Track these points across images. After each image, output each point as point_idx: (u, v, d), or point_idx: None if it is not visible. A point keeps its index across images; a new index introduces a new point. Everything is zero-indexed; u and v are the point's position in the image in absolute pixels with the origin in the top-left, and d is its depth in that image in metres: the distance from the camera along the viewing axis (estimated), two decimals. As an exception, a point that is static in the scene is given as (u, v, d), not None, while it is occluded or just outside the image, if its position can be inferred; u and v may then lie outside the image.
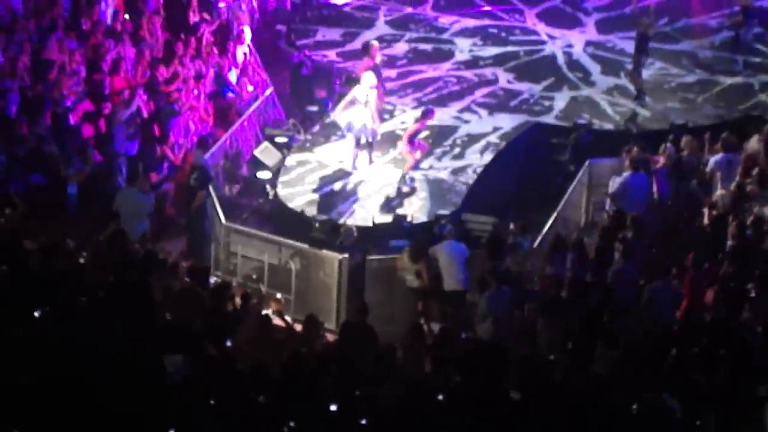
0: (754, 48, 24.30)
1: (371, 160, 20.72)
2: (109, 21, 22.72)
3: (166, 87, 21.43)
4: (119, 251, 15.04)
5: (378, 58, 21.35)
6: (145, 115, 20.60)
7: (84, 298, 12.96)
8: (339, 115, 20.54)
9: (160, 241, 18.51)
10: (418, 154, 20.03)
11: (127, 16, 23.01)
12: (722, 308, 14.13)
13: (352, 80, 21.74)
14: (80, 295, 13.00)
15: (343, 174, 20.51)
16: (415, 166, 20.15)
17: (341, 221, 18.85)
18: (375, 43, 21.90)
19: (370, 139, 20.53)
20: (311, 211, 19.32)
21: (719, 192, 17.32)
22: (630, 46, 23.17)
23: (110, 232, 16.00)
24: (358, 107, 20.04)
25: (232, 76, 23.00)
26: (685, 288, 14.80)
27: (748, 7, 24.17)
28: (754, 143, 18.34)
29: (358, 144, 20.52)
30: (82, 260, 15.04)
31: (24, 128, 18.71)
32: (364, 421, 10.71)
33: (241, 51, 23.59)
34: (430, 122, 20.48)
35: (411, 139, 19.83)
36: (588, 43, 25.19)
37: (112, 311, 12.11)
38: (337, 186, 20.20)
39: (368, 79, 20.19)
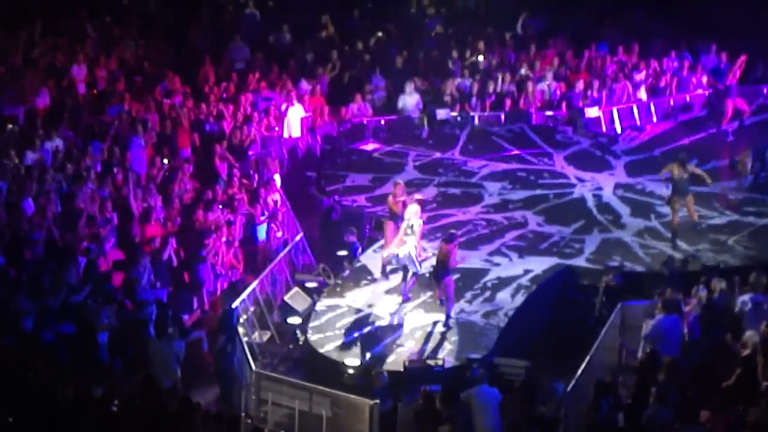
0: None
1: (407, 295, 20.68)
2: (141, 169, 23.06)
3: (197, 234, 21.56)
4: (151, 400, 14.94)
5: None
6: (175, 262, 20.70)
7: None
8: (392, 249, 20.58)
9: (191, 389, 18.40)
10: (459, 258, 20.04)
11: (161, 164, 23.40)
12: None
13: (382, 224, 21.84)
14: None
15: (373, 318, 20.42)
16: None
17: (372, 367, 18.70)
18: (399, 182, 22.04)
19: (418, 270, 20.50)
20: (342, 357, 19.20)
21: (749, 333, 17.14)
22: (658, 189, 23.22)
23: (142, 380, 15.92)
24: (408, 238, 20.17)
25: (262, 226, 23.15)
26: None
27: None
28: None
29: (405, 278, 20.58)
30: (114, 409, 14.94)
31: (52, 277, 18.78)
32: None
33: (271, 198, 23.77)
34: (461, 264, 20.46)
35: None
36: (617, 186, 25.26)
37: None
38: (367, 330, 20.10)
39: (414, 209, 20.39)
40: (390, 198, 21.48)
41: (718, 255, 21.57)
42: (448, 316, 19.89)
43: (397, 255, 20.29)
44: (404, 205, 20.90)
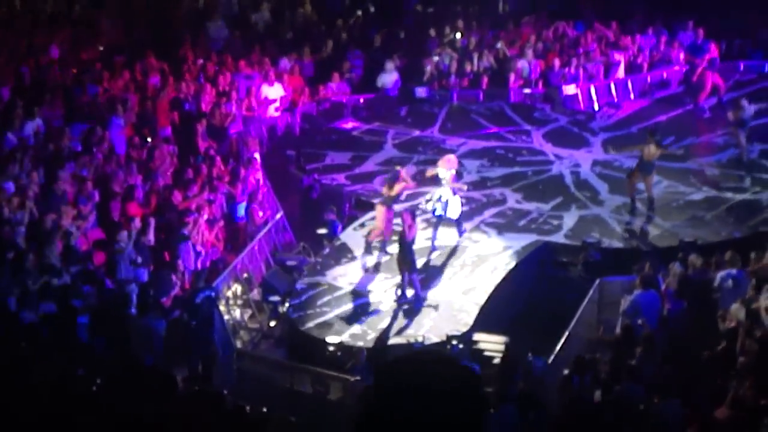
0: (761, 164, 24.47)
1: (462, 231, 21.89)
2: (120, 149, 23.08)
3: (177, 213, 21.62)
4: (133, 378, 15.00)
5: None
6: (153, 242, 20.73)
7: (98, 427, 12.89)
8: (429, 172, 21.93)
9: (174, 367, 18.48)
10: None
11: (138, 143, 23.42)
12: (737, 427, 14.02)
13: (363, 203, 21.97)
14: (93, 424, 12.94)
15: (354, 296, 20.55)
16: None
17: (352, 344, 18.84)
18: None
19: (451, 216, 21.47)
20: (323, 335, 19.32)
21: (734, 306, 17.27)
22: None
23: (123, 358, 16.00)
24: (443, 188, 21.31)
25: (242, 205, 23.22)
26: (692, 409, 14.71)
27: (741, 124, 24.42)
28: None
29: (436, 226, 21.62)
30: (94, 388, 15.00)
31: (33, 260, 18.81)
32: None
33: (252, 177, 23.83)
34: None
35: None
36: (595, 163, 25.38)
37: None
38: (347, 308, 20.22)
39: (450, 163, 21.62)
40: (397, 186, 21.45)
41: (696, 231, 21.73)
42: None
43: (432, 196, 21.44)
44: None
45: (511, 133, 27.12)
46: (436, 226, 21.62)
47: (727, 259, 18.33)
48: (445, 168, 21.49)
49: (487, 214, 23.03)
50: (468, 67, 29.97)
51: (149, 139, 24.15)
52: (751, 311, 16.66)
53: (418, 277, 20.12)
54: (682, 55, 30.35)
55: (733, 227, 22.00)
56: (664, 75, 30.43)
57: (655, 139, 22.35)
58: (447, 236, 21.62)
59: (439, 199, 21.31)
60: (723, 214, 22.65)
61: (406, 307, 20.02)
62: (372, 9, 33.27)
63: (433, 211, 21.45)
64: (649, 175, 22.24)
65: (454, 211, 21.48)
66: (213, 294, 19.31)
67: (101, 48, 28.45)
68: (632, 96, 29.85)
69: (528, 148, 26.38)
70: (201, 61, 28.45)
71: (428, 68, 29.84)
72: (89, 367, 15.84)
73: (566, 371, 16.34)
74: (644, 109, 28.71)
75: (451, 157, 22.14)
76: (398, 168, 22.00)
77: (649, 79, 30.29)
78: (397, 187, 21.31)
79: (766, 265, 18.19)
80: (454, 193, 21.41)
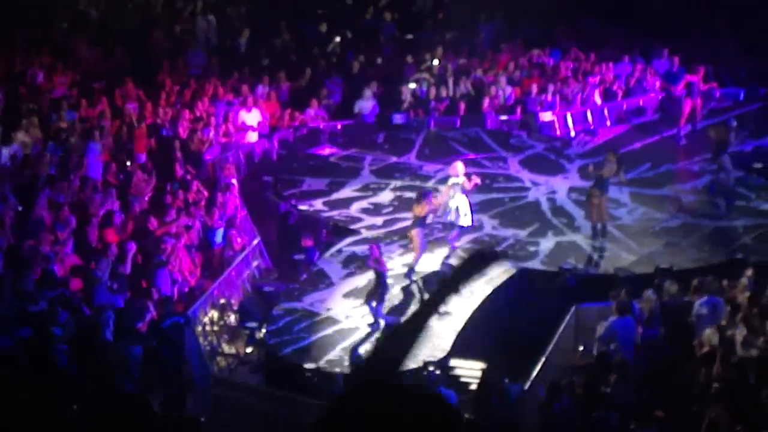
0: (736, 191, 24.60)
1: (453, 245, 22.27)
2: (97, 175, 23.06)
3: (155, 239, 21.59)
4: (110, 404, 14.96)
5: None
6: (129, 268, 20.66)
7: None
8: (442, 196, 22.13)
9: (150, 394, 18.42)
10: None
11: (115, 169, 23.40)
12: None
13: (340, 229, 22.02)
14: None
15: (331, 322, 20.55)
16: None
17: (329, 370, 18.83)
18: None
19: (462, 223, 22.03)
20: (300, 361, 19.31)
21: (708, 331, 17.35)
22: (612, 192, 23.42)
23: (100, 385, 15.96)
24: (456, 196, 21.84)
25: (219, 230, 23.21)
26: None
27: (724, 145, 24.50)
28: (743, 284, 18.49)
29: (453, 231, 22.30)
30: (69, 414, 14.95)
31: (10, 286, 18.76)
32: None
33: (229, 202, 23.83)
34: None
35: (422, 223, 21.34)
36: (571, 189, 25.47)
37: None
38: (324, 334, 20.22)
39: (458, 168, 22.07)
40: (424, 205, 21.55)
41: (672, 257, 21.81)
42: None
43: (448, 206, 21.89)
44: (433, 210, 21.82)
45: (488, 159, 27.20)
46: (450, 232, 22.36)
47: (703, 286, 18.41)
48: (456, 176, 21.99)
49: (464, 240, 23.07)
50: (445, 94, 30.08)
51: (129, 163, 24.15)
52: (725, 338, 16.74)
53: (382, 307, 20.20)
54: (657, 83, 30.55)
55: (708, 254, 22.10)
56: (640, 102, 30.62)
57: (620, 159, 22.61)
58: (425, 262, 21.63)
59: (455, 207, 21.84)
60: (698, 241, 22.76)
61: (383, 332, 20.03)
62: (349, 35, 33.37)
63: (446, 215, 22.04)
64: (603, 194, 22.41)
65: (466, 218, 21.95)
66: (182, 320, 19.27)
67: (77, 74, 28.38)
68: (608, 123, 30.01)
69: (504, 175, 26.46)
70: (178, 87, 28.47)
71: (405, 95, 29.94)
72: (66, 393, 15.80)
73: (544, 397, 16.39)
74: (620, 136, 28.86)
75: (457, 164, 22.52)
76: (428, 189, 22.38)
77: (625, 106, 30.48)
78: (425, 207, 21.44)
79: (740, 292, 18.28)
80: (466, 195, 22.05)
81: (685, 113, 28.19)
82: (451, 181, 22.06)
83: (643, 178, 25.45)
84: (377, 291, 20.01)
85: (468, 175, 22.08)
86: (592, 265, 21.92)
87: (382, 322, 20.11)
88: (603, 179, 22.33)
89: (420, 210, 21.32)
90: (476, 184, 22.18)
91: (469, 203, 22.09)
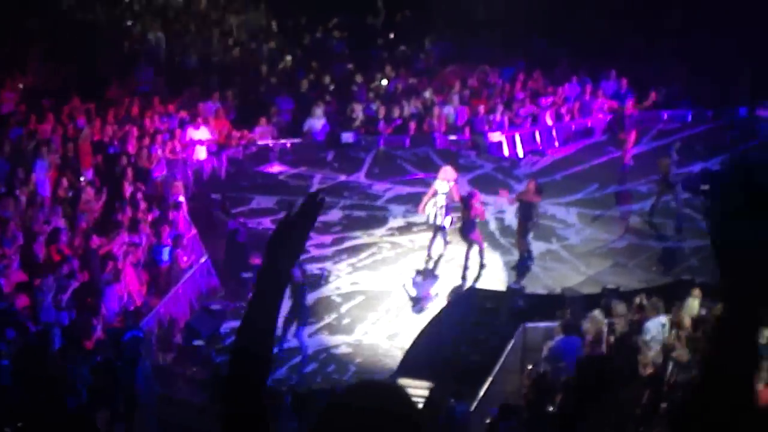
0: (684, 213, 24.76)
1: (446, 242, 22.83)
2: (45, 191, 22.90)
3: (101, 256, 21.46)
4: (55, 422, 14.87)
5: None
6: (76, 285, 20.54)
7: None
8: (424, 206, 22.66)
9: (97, 412, 18.29)
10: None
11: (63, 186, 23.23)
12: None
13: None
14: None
15: (277, 341, 20.47)
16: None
17: (276, 388, 18.76)
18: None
19: (444, 224, 22.53)
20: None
21: (652, 353, 17.45)
22: (559, 212, 23.55)
23: (45, 403, 15.83)
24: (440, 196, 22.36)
25: (166, 248, 23.10)
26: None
27: (667, 174, 24.57)
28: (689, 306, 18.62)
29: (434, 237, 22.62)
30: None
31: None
32: None
33: (177, 220, 23.72)
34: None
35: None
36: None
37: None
38: (273, 353, 20.13)
39: (446, 173, 22.67)
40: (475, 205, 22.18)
41: (619, 278, 21.94)
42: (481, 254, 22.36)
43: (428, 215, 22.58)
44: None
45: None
46: (433, 236, 22.77)
47: (649, 306, 18.51)
48: (445, 180, 22.50)
49: (413, 258, 23.11)
50: (395, 113, 30.14)
51: (82, 179, 24.00)
52: (670, 358, 16.85)
53: (307, 331, 20.17)
54: (606, 104, 30.75)
55: (655, 275, 22.25)
56: (588, 123, 30.81)
57: (537, 182, 22.86)
58: (374, 281, 21.64)
59: (440, 208, 22.36)
60: (646, 262, 22.91)
61: (330, 352, 20.00)
62: (299, 53, 33.39)
63: (428, 219, 22.65)
64: (524, 220, 22.59)
65: (447, 220, 22.51)
66: (141, 334, 19.18)
67: (21, 87, 28.20)
68: (557, 143, 30.17)
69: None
70: (126, 102, 28.34)
71: (355, 113, 29.97)
72: (9, 410, 15.67)
73: (490, 418, 16.40)
74: (568, 157, 29.02)
75: (447, 168, 23.10)
76: (471, 191, 22.94)
77: (573, 127, 30.65)
78: (477, 208, 22.19)
79: (686, 314, 18.39)
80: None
81: (630, 141, 28.29)
82: (438, 187, 22.46)
83: (591, 198, 25.60)
84: (299, 311, 19.89)
85: (472, 195, 22.40)
86: (540, 285, 22.00)
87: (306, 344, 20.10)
88: (528, 205, 22.49)
89: (468, 214, 22.04)
90: (510, 200, 23.14)
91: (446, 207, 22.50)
